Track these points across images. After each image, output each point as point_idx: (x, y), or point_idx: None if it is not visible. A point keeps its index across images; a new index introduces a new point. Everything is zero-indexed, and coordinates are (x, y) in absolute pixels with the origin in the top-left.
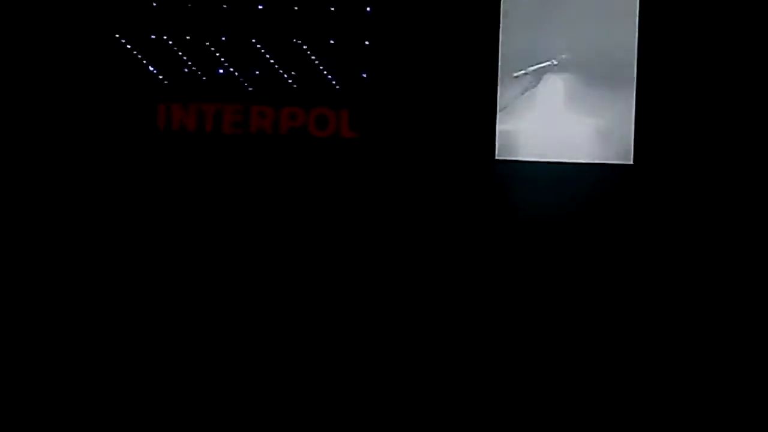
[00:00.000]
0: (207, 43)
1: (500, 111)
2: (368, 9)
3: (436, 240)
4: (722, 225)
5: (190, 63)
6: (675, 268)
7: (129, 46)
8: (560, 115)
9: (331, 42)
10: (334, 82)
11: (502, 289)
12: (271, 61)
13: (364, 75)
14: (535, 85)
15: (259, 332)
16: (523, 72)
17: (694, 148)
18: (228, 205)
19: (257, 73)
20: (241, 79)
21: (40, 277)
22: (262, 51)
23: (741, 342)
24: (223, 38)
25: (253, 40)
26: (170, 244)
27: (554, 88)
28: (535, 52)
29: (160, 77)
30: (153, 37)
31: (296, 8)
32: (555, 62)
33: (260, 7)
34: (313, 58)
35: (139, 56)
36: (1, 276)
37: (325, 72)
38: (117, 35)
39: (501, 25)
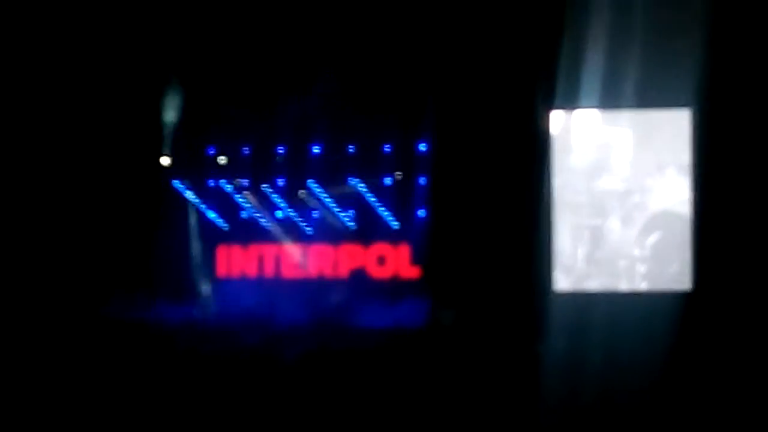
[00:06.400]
0: (265, 187)
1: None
2: (422, 147)
3: (498, 369)
4: None
5: (248, 207)
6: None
7: (188, 192)
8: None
9: (387, 181)
10: (392, 220)
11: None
12: (329, 201)
13: (422, 212)
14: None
15: None
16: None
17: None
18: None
19: (315, 214)
20: (300, 221)
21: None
22: (319, 192)
23: None
24: (281, 182)
25: (310, 182)
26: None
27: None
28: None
29: (220, 221)
30: (211, 183)
31: (350, 149)
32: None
33: (315, 149)
34: (370, 197)
35: (199, 202)
36: None
37: (382, 210)
38: (176, 182)
39: (554, 161)
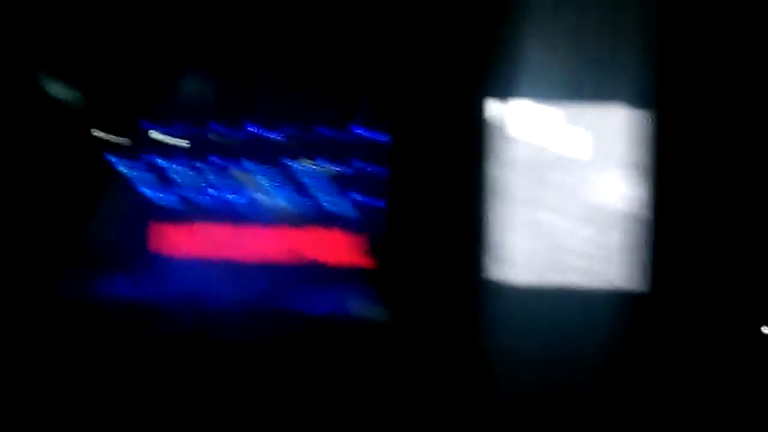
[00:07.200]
0: (199, 166)
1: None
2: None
3: (432, 361)
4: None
5: (183, 185)
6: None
7: (120, 167)
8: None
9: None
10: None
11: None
12: (265, 182)
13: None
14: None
15: None
16: None
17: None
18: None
19: (251, 194)
20: (236, 200)
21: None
22: (254, 172)
23: None
24: (216, 160)
25: (246, 162)
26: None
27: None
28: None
29: (152, 198)
30: (143, 156)
31: (288, 129)
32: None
33: (252, 129)
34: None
35: (130, 177)
36: None
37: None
38: (107, 155)
39: (492, 152)
